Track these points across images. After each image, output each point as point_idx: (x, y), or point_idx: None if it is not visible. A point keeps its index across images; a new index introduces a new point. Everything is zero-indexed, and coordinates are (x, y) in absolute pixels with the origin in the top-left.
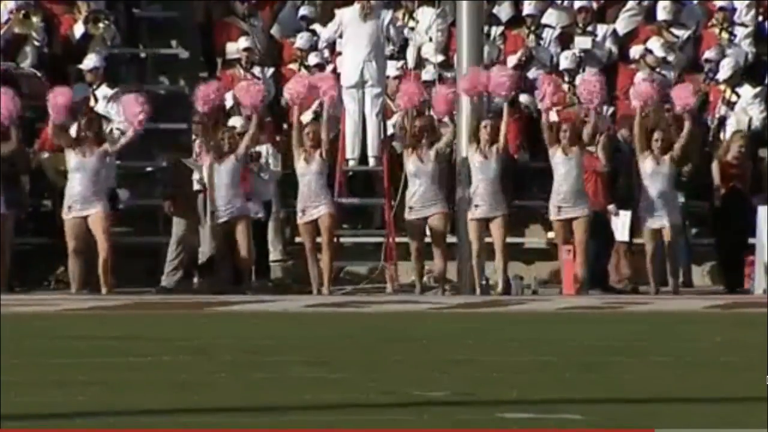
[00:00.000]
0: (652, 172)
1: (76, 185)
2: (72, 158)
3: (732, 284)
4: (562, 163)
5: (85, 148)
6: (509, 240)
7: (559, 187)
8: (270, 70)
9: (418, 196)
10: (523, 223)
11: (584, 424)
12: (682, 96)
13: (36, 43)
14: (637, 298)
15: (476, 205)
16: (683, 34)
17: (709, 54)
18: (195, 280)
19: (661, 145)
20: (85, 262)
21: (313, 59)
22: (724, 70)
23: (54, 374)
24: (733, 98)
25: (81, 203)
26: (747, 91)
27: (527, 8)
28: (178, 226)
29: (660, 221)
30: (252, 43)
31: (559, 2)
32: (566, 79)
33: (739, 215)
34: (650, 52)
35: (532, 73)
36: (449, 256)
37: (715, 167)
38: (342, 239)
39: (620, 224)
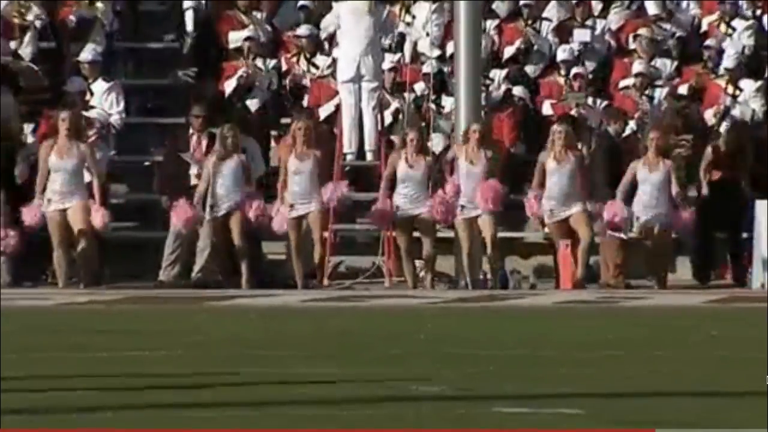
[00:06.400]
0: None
1: (56, 182)
2: (52, 159)
3: (707, 277)
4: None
5: (63, 150)
6: (508, 234)
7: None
8: (272, 62)
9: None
10: (520, 217)
11: (583, 418)
12: None
13: (30, 39)
14: (634, 293)
15: (462, 206)
16: (671, 27)
17: (709, 42)
18: (192, 274)
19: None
20: (70, 255)
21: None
22: (729, 60)
23: (51, 369)
24: (736, 92)
25: (60, 196)
26: (749, 84)
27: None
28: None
29: (649, 216)
30: (255, 34)
31: None
32: (562, 72)
33: (731, 208)
34: (642, 40)
35: (529, 68)
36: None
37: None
38: (339, 233)
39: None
